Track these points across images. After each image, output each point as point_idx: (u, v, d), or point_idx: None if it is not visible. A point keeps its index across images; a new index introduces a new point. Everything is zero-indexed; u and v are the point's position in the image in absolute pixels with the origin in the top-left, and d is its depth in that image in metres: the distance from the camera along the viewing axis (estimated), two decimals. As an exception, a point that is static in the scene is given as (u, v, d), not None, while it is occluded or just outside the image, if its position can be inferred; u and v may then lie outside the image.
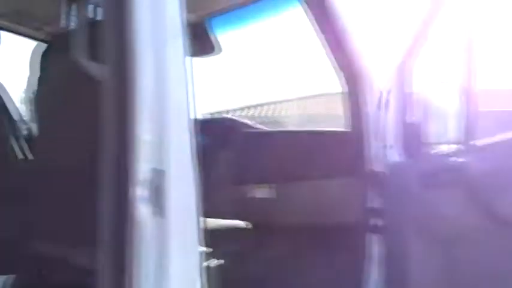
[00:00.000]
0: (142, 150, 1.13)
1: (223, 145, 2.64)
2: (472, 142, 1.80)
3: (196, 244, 1.20)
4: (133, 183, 1.12)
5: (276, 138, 2.73)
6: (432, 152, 2.25)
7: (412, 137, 2.16)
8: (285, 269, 2.50)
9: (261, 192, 2.56)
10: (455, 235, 1.77)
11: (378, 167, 2.22)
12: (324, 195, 2.38)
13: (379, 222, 2.21)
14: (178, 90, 1.24)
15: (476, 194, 1.62)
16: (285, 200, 2.50)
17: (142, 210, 1.13)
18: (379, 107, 2.22)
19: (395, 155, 2.11)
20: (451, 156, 1.84)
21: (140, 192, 1.12)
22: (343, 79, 2.27)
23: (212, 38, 2.31)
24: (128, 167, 1.12)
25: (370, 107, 2.22)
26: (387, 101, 2.17)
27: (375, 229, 2.21)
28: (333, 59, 2.25)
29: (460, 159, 1.73)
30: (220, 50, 2.35)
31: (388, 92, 2.16)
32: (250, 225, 2.05)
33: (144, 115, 1.15)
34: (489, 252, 1.65)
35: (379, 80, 2.25)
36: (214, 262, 1.46)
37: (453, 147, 2.06)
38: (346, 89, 2.28)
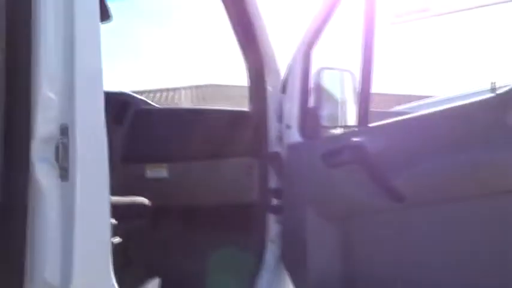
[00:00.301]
0: (43, 106, 1.03)
1: (119, 120, 2.52)
2: (366, 125, 1.93)
3: (106, 214, 1.11)
4: (33, 141, 1.02)
5: (175, 116, 2.66)
6: (330, 133, 2.36)
7: (311, 120, 2.25)
8: (182, 249, 2.47)
9: (157, 171, 2.48)
10: (353, 213, 1.87)
11: (277, 147, 2.28)
12: (223, 174, 2.38)
13: (278, 202, 2.27)
14: (86, 50, 1.15)
15: (373, 172, 1.73)
16: (182, 180, 2.45)
17: (44, 172, 1.03)
18: (281, 90, 2.27)
19: (294, 136, 2.18)
20: (348, 137, 1.94)
21: (41, 152, 1.02)
22: (248, 63, 2.29)
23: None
24: (26, 123, 1.01)
25: (272, 90, 2.27)
26: (288, 85, 2.23)
27: (274, 209, 2.27)
28: (239, 43, 2.26)
29: (356, 140, 1.84)
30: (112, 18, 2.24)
31: (290, 77, 2.23)
32: (149, 203, 1.98)
33: (48, 71, 1.05)
34: (386, 229, 1.78)
35: (281, 65, 2.32)
36: (115, 239, 1.40)
37: (349, 130, 2.19)
38: (250, 72, 2.31)
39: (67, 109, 1.05)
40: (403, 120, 1.82)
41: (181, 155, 2.43)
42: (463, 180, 1.59)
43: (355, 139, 1.85)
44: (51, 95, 1.04)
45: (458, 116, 1.67)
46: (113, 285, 1.14)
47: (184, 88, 13.63)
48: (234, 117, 2.42)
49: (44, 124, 1.03)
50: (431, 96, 8.88)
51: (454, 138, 1.63)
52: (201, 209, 2.49)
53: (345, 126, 2.22)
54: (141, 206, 1.84)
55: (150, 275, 1.82)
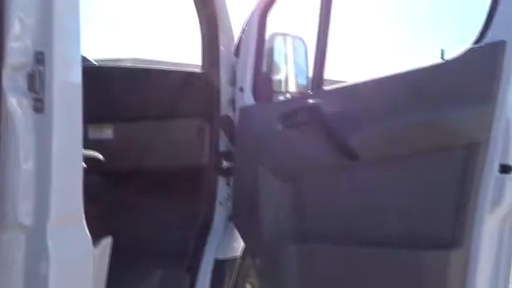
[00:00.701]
0: (15, 32, 0.95)
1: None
2: (320, 88, 1.99)
3: (79, 153, 1.06)
4: (4, 69, 0.94)
5: (122, 75, 2.55)
6: (283, 96, 2.40)
7: (264, 84, 2.27)
8: (129, 212, 2.41)
9: (101, 132, 2.39)
10: (306, 172, 1.93)
11: (229, 110, 2.28)
12: (172, 136, 2.34)
13: (228, 165, 2.28)
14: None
15: (329, 132, 1.79)
16: (129, 141, 2.38)
17: (16, 103, 0.96)
18: (234, 53, 2.27)
19: (247, 99, 2.19)
20: (303, 100, 1.99)
21: (13, 81, 0.95)
22: (201, 21, 2.26)
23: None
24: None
25: (225, 51, 2.26)
26: (242, 49, 2.23)
27: (224, 171, 2.28)
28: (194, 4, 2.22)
29: (313, 102, 1.89)
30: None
31: (244, 40, 2.23)
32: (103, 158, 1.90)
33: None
34: (337, 187, 1.86)
35: (236, 28, 2.31)
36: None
37: (304, 94, 2.24)
38: (202, 28, 2.27)
39: (43, 35, 0.97)
40: (356, 84, 1.90)
41: (128, 115, 2.36)
42: (408, 139, 1.71)
43: (311, 101, 1.90)
44: (25, 20, 0.97)
45: (403, 81, 1.77)
46: (84, 225, 1.09)
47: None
48: (185, 78, 2.38)
49: (16, 51, 0.95)
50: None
51: (400, 101, 1.73)
52: (149, 171, 2.43)
53: (299, 92, 2.26)
54: (96, 160, 1.76)
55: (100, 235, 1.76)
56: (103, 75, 2.50)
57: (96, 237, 1.69)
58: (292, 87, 2.40)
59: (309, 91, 2.13)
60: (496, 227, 1.64)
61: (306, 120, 1.85)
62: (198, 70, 2.40)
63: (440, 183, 1.65)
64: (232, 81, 2.26)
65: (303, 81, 2.34)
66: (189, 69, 2.51)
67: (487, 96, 1.58)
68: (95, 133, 2.39)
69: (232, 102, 2.26)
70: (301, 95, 2.19)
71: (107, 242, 1.68)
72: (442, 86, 1.67)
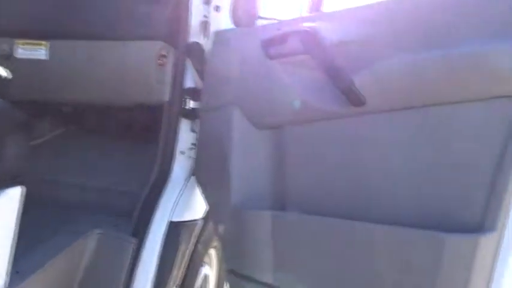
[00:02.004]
0: None
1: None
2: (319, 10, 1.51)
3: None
4: None
5: None
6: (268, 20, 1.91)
7: (247, 3, 1.78)
8: (66, 156, 1.95)
9: (33, 50, 1.86)
10: (295, 119, 1.48)
11: (200, 35, 1.79)
12: (126, 62, 1.83)
13: (194, 105, 1.81)
14: None
15: (329, 65, 1.33)
16: (68, 65, 1.87)
17: None
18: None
19: (224, 22, 1.71)
20: (296, 23, 1.52)
21: None
22: None
23: None
24: None
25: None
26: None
27: (188, 113, 1.81)
28: None
29: (309, 25, 1.43)
30: None
31: None
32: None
33: None
34: (330, 140, 1.42)
35: None
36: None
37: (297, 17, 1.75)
38: None
39: None
40: (370, 5, 1.41)
41: (68, 31, 1.84)
42: (435, 84, 1.25)
43: (306, 24, 1.43)
44: None
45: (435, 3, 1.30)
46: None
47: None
48: None
49: None
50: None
51: (432, 30, 1.26)
52: (92, 107, 1.95)
53: (292, 19, 1.77)
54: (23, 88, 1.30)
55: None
56: None
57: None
58: (283, 14, 1.91)
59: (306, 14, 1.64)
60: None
61: (299, 47, 1.39)
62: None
63: (473, 147, 1.21)
64: (207, -1, 1.77)
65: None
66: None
67: None
68: (24, 51, 1.88)
69: (205, 25, 1.77)
70: (297, 17, 1.69)
71: (15, 192, 1.24)
72: (493, 11, 1.20)
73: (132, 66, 1.81)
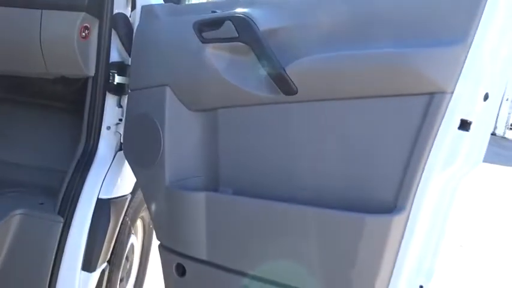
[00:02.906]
0: None
1: None
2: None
3: None
4: None
5: None
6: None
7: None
8: None
9: None
10: (226, 102, 1.50)
11: (126, 8, 1.72)
12: (47, 33, 1.71)
13: (121, 80, 1.77)
14: None
15: (263, 53, 1.36)
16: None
17: None
18: None
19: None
20: (230, 6, 1.51)
21: None
22: None
23: None
24: None
25: None
26: None
27: (115, 88, 1.76)
28: None
29: (244, 11, 1.43)
30: None
31: None
32: None
33: None
34: (261, 125, 1.47)
35: None
36: None
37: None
38: None
39: None
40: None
41: None
42: (357, 79, 1.33)
43: (240, 9, 1.43)
44: None
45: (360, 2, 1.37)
46: None
47: None
48: None
49: None
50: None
51: (356, 27, 1.34)
52: (11, 78, 1.83)
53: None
54: None
55: None
56: None
57: None
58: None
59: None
60: (439, 189, 1.40)
61: (233, 34, 1.40)
62: None
63: (388, 135, 1.33)
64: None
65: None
66: None
67: (463, 35, 1.25)
68: None
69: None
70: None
71: None
72: (409, 13, 1.30)
73: (53, 38, 1.71)
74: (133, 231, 2.09)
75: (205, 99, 1.52)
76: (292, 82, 1.36)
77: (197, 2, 1.97)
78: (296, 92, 1.37)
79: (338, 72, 1.33)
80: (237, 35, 1.40)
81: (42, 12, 1.68)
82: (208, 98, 1.51)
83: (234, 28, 1.41)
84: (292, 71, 1.36)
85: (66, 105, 2.00)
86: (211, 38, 1.45)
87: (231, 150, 1.51)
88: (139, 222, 2.20)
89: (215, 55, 1.46)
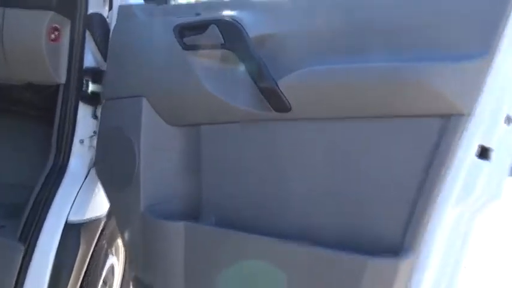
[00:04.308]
0: None
1: None
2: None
3: None
4: None
5: None
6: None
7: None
8: None
9: None
10: (209, 118, 1.31)
11: (102, 7, 1.53)
12: (15, 33, 1.52)
13: (95, 88, 1.58)
14: None
15: (254, 64, 1.16)
16: None
17: None
18: None
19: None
20: (216, 7, 1.32)
21: None
22: None
23: None
24: None
25: None
26: None
27: (88, 96, 1.57)
28: None
29: (231, 13, 1.24)
30: None
31: None
32: None
33: None
34: (248, 144, 1.27)
35: None
36: None
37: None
38: None
39: None
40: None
41: None
42: (364, 95, 1.13)
43: (228, 12, 1.24)
44: None
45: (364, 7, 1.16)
46: None
47: None
48: None
49: None
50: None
51: (368, 35, 1.14)
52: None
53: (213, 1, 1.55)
54: None
55: None
56: None
57: None
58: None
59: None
60: (452, 226, 1.20)
61: (218, 40, 1.20)
62: None
63: (395, 163, 1.13)
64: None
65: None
66: None
67: (484, 48, 1.05)
68: None
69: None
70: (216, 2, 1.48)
71: None
72: (421, 20, 1.10)
73: (17, 40, 1.52)
74: (112, 252, 1.90)
75: (186, 113, 1.33)
76: (285, 97, 1.16)
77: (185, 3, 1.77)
78: (289, 109, 1.17)
79: (338, 88, 1.13)
80: (223, 42, 1.21)
81: (4, 10, 1.49)
82: (190, 112, 1.32)
83: (219, 33, 1.21)
84: (286, 85, 1.16)
85: (38, 113, 1.81)
86: (194, 44, 1.25)
87: (215, 173, 1.31)
88: (119, 242, 2.00)
89: (198, 63, 1.26)
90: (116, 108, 1.43)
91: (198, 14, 1.31)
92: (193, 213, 1.34)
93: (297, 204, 1.22)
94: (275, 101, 1.17)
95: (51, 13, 1.50)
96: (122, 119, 1.40)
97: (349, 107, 1.13)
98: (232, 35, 1.20)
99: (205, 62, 1.26)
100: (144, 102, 1.35)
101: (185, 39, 1.27)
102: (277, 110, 1.18)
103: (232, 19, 1.21)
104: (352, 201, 1.16)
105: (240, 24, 1.20)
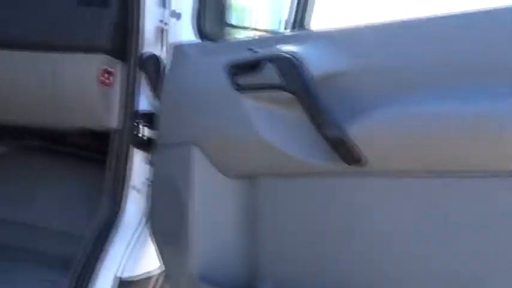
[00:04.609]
0: None
1: None
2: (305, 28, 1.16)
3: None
4: None
5: None
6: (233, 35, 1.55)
7: (214, 10, 1.42)
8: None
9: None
10: (269, 169, 1.14)
11: (156, 46, 1.43)
12: (62, 78, 1.46)
13: (149, 133, 1.47)
14: None
15: (317, 109, 0.99)
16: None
17: None
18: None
19: (185, 32, 1.35)
20: (274, 42, 1.17)
21: None
22: None
23: None
24: None
25: None
26: None
27: (141, 142, 1.47)
28: None
29: (292, 50, 1.08)
30: None
31: None
32: None
33: None
34: (317, 200, 1.09)
35: None
36: None
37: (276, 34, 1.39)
38: None
39: None
40: (376, 27, 1.05)
41: None
42: (458, 146, 0.92)
43: (288, 47, 1.07)
44: None
45: (466, 28, 0.95)
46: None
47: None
48: None
49: None
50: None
51: (454, 68, 0.93)
52: (23, 130, 1.60)
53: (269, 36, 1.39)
54: None
55: None
56: None
57: None
58: (259, 23, 1.54)
59: (286, 31, 1.28)
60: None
61: (276, 80, 1.04)
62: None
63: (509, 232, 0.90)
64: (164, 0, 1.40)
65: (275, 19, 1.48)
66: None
67: None
68: None
69: (162, 33, 1.41)
70: (273, 34, 1.32)
71: None
72: None
73: (69, 85, 1.45)
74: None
75: (241, 163, 1.17)
76: (358, 148, 0.97)
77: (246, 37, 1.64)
78: (364, 162, 0.98)
79: (428, 137, 0.92)
80: (281, 82, 1.04)
81: (55, 55, 1.43)
82: (246, 162, 1.16)
83: (277, 72, 1.05)
84: (358, 133, 0.97)
85: (90, 155, 1.74)
86: (248, 84, 1.10)
87: (274, 233, 1.13)
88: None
89: (252, 107, 1.10)
90: (167, 155, 1.31)
91: (251, 50, 1.16)
92: (248, 278, 1.17)
93: (374, 271, 1.01)
94: (345, 152, 0.98)
95: (102, 56, 1.43)
96: (172, 168, 1.28)
97: (442, 161, 0.92)
98: (290, 73, 1.03)
99: (261, 105, 1.10)
100: (196, 149, 1.21)
101: (238, 79, 1.12)
102: (348, 162, 0.99)
103: (291, 54, 1.04)
104: (448, 278, 0.93)
105: (299, 60, 1.03)
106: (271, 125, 1.08)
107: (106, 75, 1.43)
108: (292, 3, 1.33)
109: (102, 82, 1.43)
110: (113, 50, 1.43)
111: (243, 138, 1.11)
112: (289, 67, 1.03)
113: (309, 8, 1.39)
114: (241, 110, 1.11)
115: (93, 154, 1.77)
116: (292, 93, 1.03)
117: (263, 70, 1.07)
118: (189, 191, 1.21)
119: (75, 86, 1.45)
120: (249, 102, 1.11)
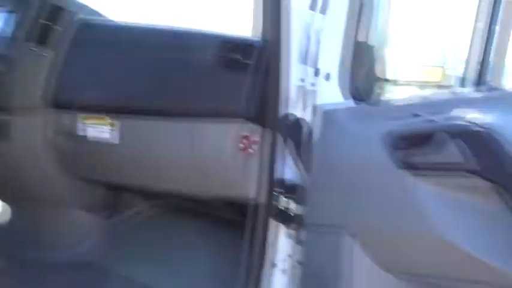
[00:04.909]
0: None
1: (43, 38, 1.52)
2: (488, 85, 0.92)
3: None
4: None
5: (133, 38, 1.54)
6: (390, 93, 1.35)
7: (366, 66, 1.23)
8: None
9: (97, 128, 1.50)
10: (445, 272, 0.92)
11: (297, 109, 1.28)
12: (200, 148, 1.38)
13: (294, 207, 1.31)
14: None
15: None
16: (131, 145, 1.48)
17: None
18: (311, 5, 1.23)
19: (332, 93, 1.18)
20: (451, 105, 0.94)
21: None
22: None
23: None
24: None
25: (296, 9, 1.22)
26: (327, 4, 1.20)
27: (283, 215, 1.31)
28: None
29: (479, 117, 0.85)
30: None
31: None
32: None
33: None
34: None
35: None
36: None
37: (448, 92, 1.16)
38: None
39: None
40: None
41: (134, 105, 1.44)
42: None
43: (473, 115, 0.84)
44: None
45: None
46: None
47: None
48: (225, 49, 1.38)
49: None
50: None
51: None
52: (159, 201, 1.56)
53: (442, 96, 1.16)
54: None
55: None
56: (108, 37, 1.59)
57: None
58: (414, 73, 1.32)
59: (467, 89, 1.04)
60: None
61: (459, 160, 0.81)
62: (246, 36, 1.39)
63: None
64: (306, 57, 1.25)
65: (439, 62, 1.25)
66: (232, 34, 1.48)
67: None
68: (87, 128, 1.52)
69: (305, 94, 1.26)
70: (448, 94, 1.08)
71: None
72: None
73: (207, 153, 1.37)
74: None
75: (407, 260, 0.95)
76: None
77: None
78: None
79: None
80: (471, 164, 0.81)
81: (193, 125, 1.36)
82: (414, 260, 0.93)
83: (462, 150, 0.82)
84: None
85: (216, 235, 1.64)
86: (416, 162, 0.88)
87: None
88: None
89: (423, 192, 0.89)
90: (315, 238, 1.13)
91: (418, 116, 0.95)
92: None
93: None
94: None
95: (239, 121, 1.32)
96: (320, 254, 1.10)
97: None
98: (484, 153, 0.79)
99: (436, 190, 0.87)
100: (346, 237, 1.02)
101: (402, 154, 0.91)
102: None
103: (483, 127, 0.81)
104: None
105: (496, 135, 0.79)
106: (451, 218, 0.85)
107: (245, 141, 1.32)
108: (471, 47, 1.06)
109: (242, 149, 1.32)
110: (253, 115, 1.32)
111: (418, 235, 0.89)
112: (482, 144, 0.79)
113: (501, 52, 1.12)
114: (406, 195, 0.90)
115: (232, 215, 1.67)
116: (488, 180, 0.79)
117: (440, 145, 0.85)
118: (337, 284, 1.01)
119: (213, 153, 1.36)
120: (417, 185, 0.89)
